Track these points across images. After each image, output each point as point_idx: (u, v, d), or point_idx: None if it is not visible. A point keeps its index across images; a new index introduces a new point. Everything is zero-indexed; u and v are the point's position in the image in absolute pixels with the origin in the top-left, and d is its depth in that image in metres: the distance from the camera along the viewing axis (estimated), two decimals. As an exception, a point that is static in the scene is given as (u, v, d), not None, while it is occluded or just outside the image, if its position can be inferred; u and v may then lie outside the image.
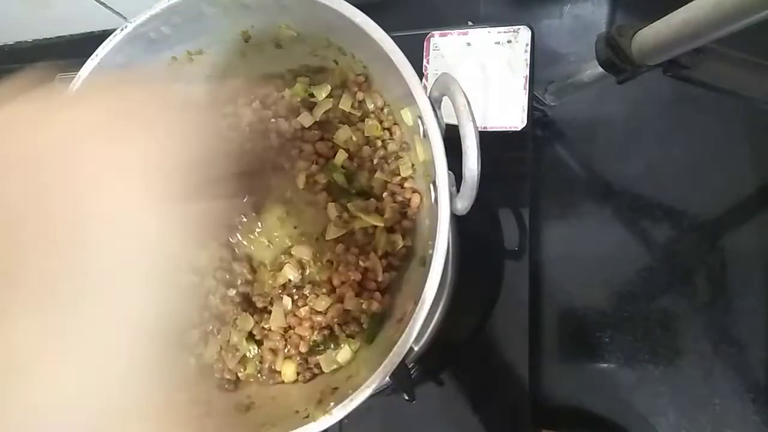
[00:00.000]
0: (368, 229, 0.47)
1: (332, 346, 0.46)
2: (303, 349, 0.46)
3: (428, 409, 0.55)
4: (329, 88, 0.50)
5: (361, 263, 0.46)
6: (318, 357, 0.46)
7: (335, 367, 0.45)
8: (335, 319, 0.46)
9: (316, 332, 0.46)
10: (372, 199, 0.48)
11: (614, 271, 0.58)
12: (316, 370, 0.46)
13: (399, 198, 0.47)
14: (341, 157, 0.49)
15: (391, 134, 0.49)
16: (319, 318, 0.46)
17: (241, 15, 0.48)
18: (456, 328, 0.55)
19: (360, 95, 0.49)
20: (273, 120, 0.51)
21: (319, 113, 0.50)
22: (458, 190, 0.37)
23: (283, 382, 0.47)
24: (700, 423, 0.54)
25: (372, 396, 0.37)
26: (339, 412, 0.37)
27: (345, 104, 0.49)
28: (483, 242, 0.57)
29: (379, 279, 0.46)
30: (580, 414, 0.56)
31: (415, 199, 0.47)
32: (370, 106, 0.49)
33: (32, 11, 0.74)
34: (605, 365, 0.57)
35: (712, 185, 0.57)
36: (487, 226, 0.57)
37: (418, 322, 0.36)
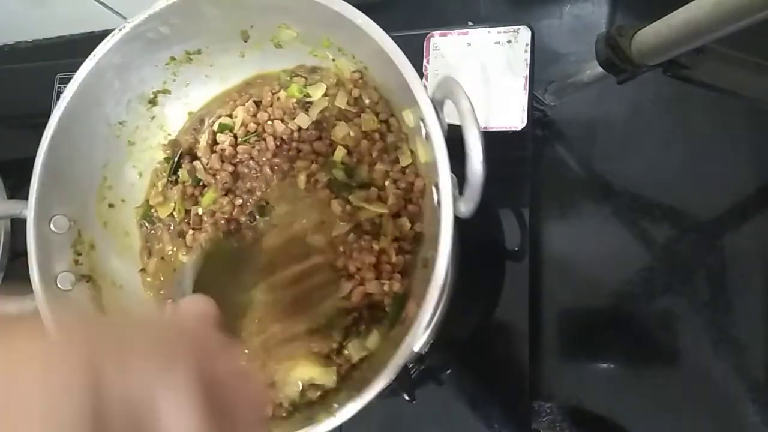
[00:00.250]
0: (375, 219, 0.47)
1: (362, 332, 0.46)
2: (338, 336, 0.45)
3: (428, 409, 0.55)
4: (325, 87, 0.50)
5: (374, 246, 0.46)
6: (348, 345, 0.45)
7: (365, 354, 0.45)
8: (360, 303, 0.46)
9: (345, 318, 0.46)
10: (373, 189, 0.47)
11: (614, 271, 0.58)
12: (346, 366, 0.46)
13: (402, 184, 0.47)
14: (340, 153, 0.49)
15: (388, 126, 0.49)
16: (343, 303, 0.46)
17: (241, 15, 0.48)
18: (456, 328, 0.55)
19: (355, 92, 0.49)
20: (269, 123, 0.51)
21: (315, 113, 0.50)
22: (461, 192, 0.36)
23: (327, 391, 0.45)
24: (701, 423, 0.54)
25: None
26: (343, 414, 0.37)
27: (341, 101, 0.49)
28: (483, 242, 0.57)
29: (393, 260, 0.45)
30: (580, 414, 0.56)
31: (419, 183, 0.46)
32: (366, 101, 0.49)
33: (32, 11, 0.73)
34: (605, 365, 0.57)
35: (712, 185, 0.57)
36: (487, 226, 0.57)
37: (422, 325, 0.36)
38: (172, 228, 0.53)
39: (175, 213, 0.53)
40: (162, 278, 0.53)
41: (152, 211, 0.54)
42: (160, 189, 0.54)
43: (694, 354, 0.55)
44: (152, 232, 0.54)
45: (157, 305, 0.52)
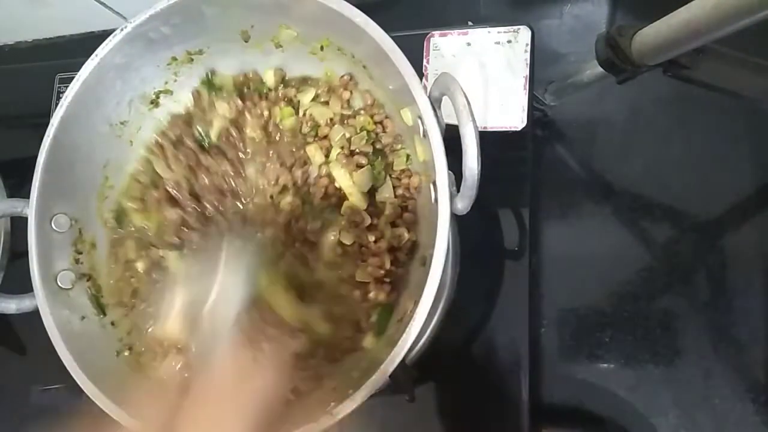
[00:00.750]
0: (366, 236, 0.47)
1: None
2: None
3: (428, 409, 0.55)
4: (314, 91, 0.50)
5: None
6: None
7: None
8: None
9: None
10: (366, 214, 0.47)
11: (614, 271, 0.58)
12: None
13: (399, 191, 0.47)
14: (335, 153, 0.49)
15: (384, 128, 0.49)
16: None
17: (241, 15, 0.48)
18: (456, 328, 0.55)
19: (346, 94, 0.49)
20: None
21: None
22: (458, 190, 0.37)
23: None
24: (700, 423, 0.54)
25: (372, 396, 0.37)
26: (339, 412, 0.37)
27: (335, 106, 0.50)
28: (483, 242, 0.57)
29: (387, 266, 0.45)
30: (580, 414, 0.56)
31: (414, 181, 0.47)
32: (359, 103, 0.49)
33: (32, 11, 0.74)
34: (605, 365, 0.57)
35: (712, 185, 0.57)
36: (487, 226, 0.57)
37: (418, 322, 0.36)
38: (146, 237, 0.51)
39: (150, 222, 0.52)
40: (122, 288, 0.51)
41: (126, 214, 0.52)
42: (137, 194, 0.52)
43: (694, 354, 0.55)
44: (119, 237, 0.52)
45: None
